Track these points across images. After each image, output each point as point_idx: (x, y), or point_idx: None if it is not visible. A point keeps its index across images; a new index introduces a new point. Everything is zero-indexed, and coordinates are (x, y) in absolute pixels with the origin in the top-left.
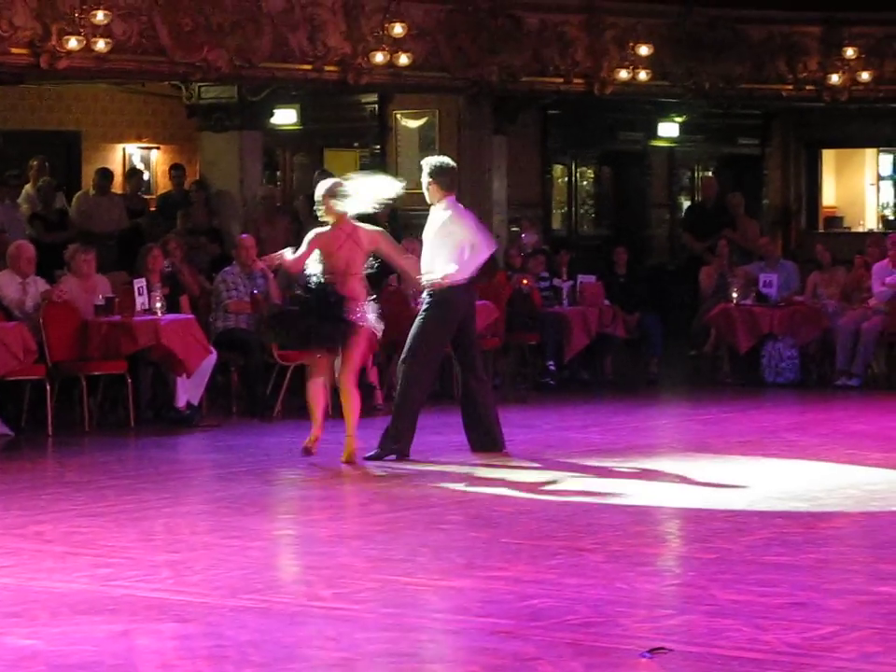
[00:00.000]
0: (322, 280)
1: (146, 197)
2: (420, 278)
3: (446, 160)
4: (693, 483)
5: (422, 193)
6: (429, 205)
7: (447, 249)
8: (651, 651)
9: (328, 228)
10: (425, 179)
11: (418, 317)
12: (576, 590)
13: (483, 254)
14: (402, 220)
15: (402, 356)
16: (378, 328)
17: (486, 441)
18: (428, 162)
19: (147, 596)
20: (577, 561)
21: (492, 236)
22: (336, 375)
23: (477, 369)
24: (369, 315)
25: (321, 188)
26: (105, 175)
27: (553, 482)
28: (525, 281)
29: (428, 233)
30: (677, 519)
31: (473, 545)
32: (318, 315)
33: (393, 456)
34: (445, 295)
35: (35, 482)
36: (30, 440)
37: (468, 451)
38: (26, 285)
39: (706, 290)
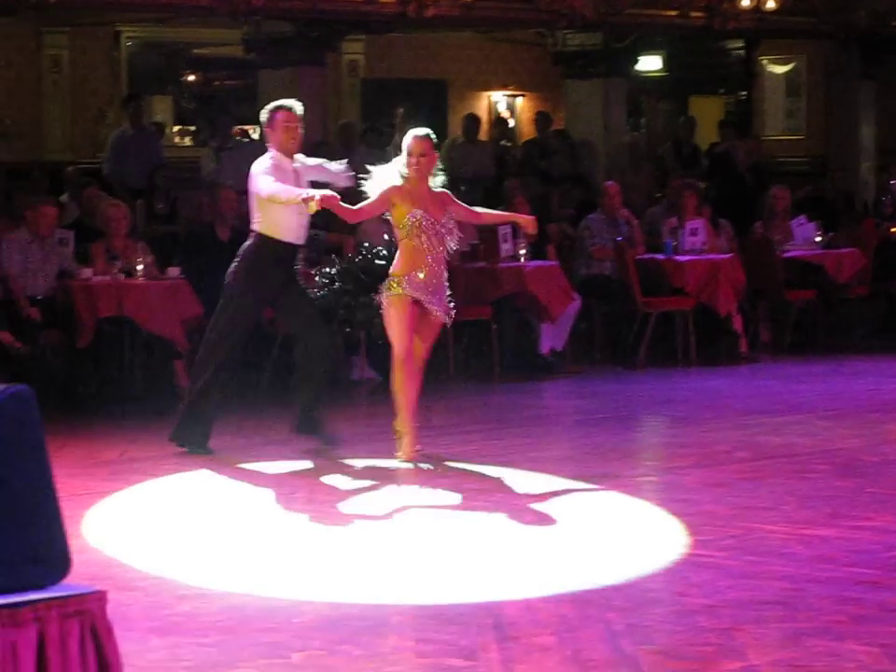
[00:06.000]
0: None
1: (508, 145)
2: None
3: None
4: None
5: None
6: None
7: None
8: None
9: None
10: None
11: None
12: None
13: None
14: (770, 168)
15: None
16: None
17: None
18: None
19: None
20: None
21: None
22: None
23: None
24: None
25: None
26: (473, 121)
27: None
28: (894, 229)
29: None
30: None
31: (838, 494)
32: None
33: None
34: None
35: None
36: None
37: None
38: None
39: None
